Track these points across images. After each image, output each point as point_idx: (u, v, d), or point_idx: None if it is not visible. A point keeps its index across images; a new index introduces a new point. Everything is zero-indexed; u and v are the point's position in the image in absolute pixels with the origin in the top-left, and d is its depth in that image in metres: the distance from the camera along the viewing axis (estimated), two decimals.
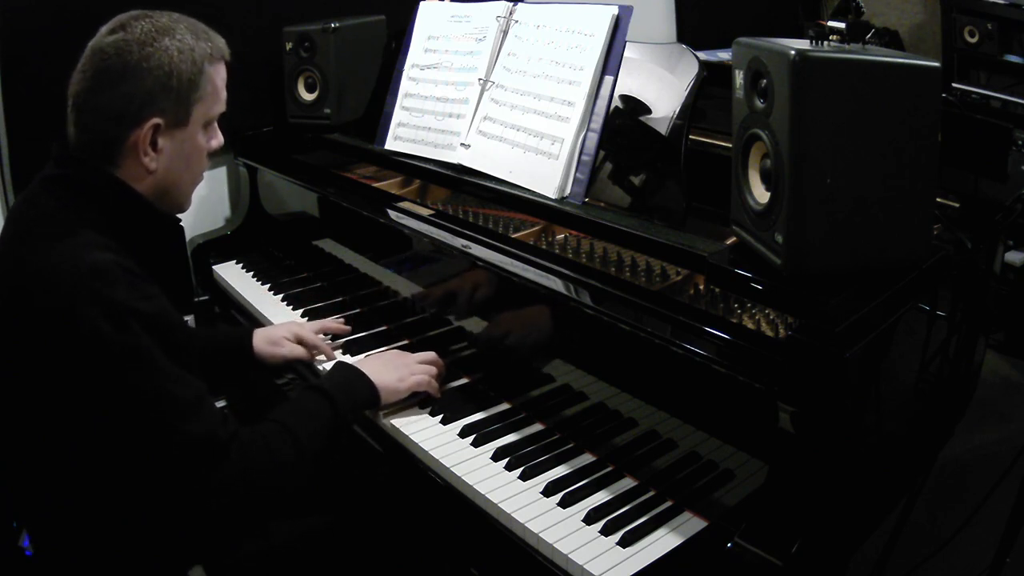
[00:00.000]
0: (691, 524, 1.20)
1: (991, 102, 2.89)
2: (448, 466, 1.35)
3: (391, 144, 1.93)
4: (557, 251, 1.51)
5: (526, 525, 1.21)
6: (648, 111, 1.52)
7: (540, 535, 1.19)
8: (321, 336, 1.74)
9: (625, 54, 1.57)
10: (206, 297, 2.18)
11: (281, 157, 2.16)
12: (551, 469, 1.33)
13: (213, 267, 2.20)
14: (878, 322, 1.12)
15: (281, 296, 1.98)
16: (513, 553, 1.22)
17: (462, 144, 1.77)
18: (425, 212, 1.70)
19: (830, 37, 1.18)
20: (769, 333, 1.19)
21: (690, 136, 1.45)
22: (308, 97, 2.19)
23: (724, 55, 1.92)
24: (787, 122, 1.09)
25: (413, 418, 1.49)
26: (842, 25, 1.18)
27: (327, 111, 2.16)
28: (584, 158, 1.57)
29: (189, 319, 2.08)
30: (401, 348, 1.70)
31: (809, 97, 1.08)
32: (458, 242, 1.56)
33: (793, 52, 1.07)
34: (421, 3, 1.98)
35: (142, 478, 1.18)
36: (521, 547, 1.22)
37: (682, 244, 1.34)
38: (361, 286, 1.91)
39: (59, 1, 1.90)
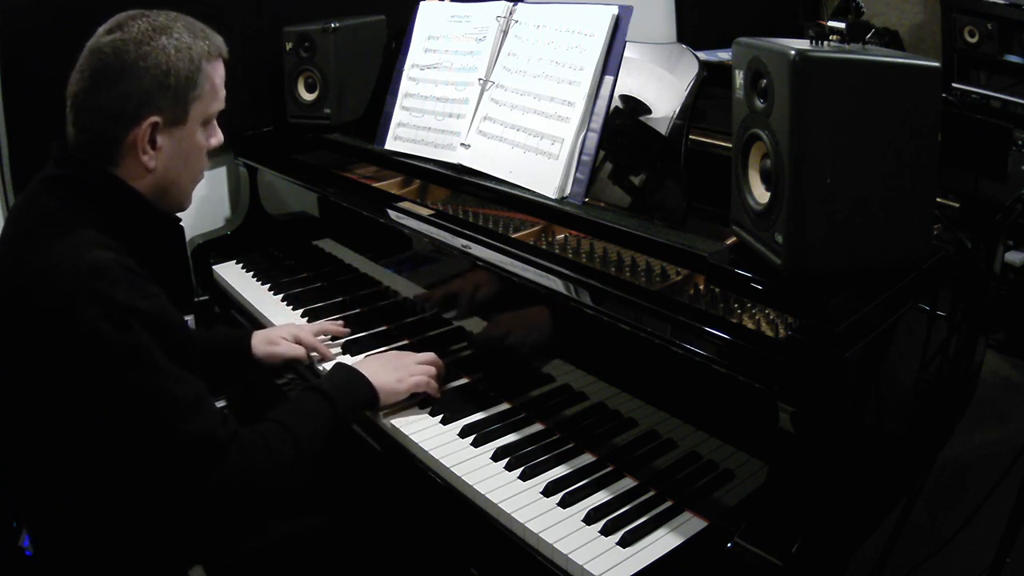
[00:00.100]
0: (691, 524, 1.20)
1: (991, 102, 2.89)
2: (448, 466, 1.35)
3: (391, 144, 1.93)
4: (557, 251, 1.51)
5: (526, 525, 1.21)
6: (648, 111, 1.52)
7: (540, 535, 1.19)
8: (320, 337, 1.74)
9: (625, 54, 1.57)
10: (206, 297, 2.18)
11: (281, 157, 2.16)
12: (551, 469, 1.33)
13: (213, 267, 2.20)
14: (878, 322, 1.12)
15: (281, 296, 1.98)
16: (513, 553, 1.22)
17: (462, 144, 1.77)
18: (425, 212, 1.70)
19: (830, 37, 1.18)
20: (769, 333, 1.19)
21: (690, 136, 1.45)
22: (308, 97, 2.19)
23: (724, 55, 1.92)
24: (787, 122, 1.09)
25: (413, 418, 1.49)
26: (842, 25, 1.18)
27: (327, 111, 2.16)
28: (584, 158, 1.57)
29: (189, 319, 2.08)
30: (401, 348, 1.70)
31: (809, 97, 1.08)
32: (458, 242, 1.56)
33: (793, 52, 1.07)
34: (421, 3, 1.98)
35: (142, 478, 1.18)
36: (521, 547, 1.22)
37: (682, 244, 1.34)
38: (361, 286, 1.91)
39: (59, 1, 1.90)
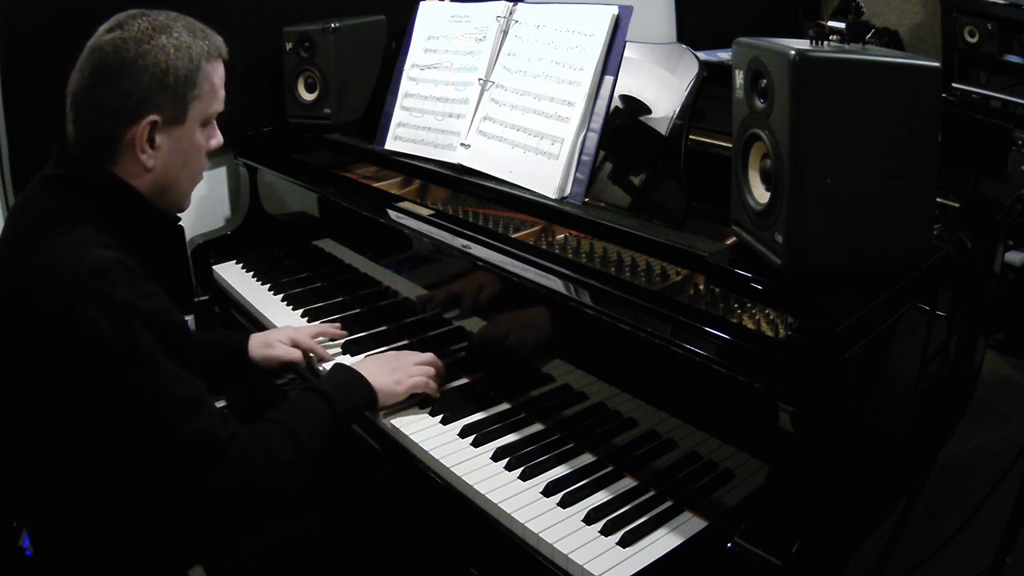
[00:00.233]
0: (691, 524, 1.20)
1: (991, 102, 2.89)
2: (448, 466, 1.35)
3: (391, 144, 1.93)
4: (557, 251, 1.51)
5: (526, 525, 1.21)
6: (648, 111, 1.52)
7: (540, 535, 1.19)
8: (318, 339, 1.74)
9: (625, 54, 1.57)
10: (206, 297, 2.18)
11: (281, 157, 2.16)
12: (551, 469, 1.33)
13: (213, 267, 2.20)
14: (878, 322, 1.12)
15: (281, 296, 1.98)
16: (513, 553, 1.22)
17: (462, 144, 1.77)
18: (425, 212, 1.70)
19: (830, 37, 1.18)
20: (769, 333, 1.19)
21: (690, 136, 1.45)
22: (308, 97, 2.19)
23: (724, 55, 1.92)
24: (787, 122, 1.09)
25: (413, 418, 1.49)
26: (842, 25, 1.18)
27: (327, 111, 2.16)
28: (584, 158, 1.57)
29: (189, 319, 2.08)
30: (401, 348, 1.70)
31: (809, 97, 1.08)
32: (458, 242, 1.56)
33: (793, 52, 1.07)
34: (421, 3, 1.98)
35: (142, 477, 1.18)
36: (521, 547, 1.22)
37: (682, 244, 1.34)
38: (361, 286, 1.91)
39: (59, 1, 1.90)
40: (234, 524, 1.32)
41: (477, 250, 1.52)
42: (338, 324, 1.80)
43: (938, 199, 1.29)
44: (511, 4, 1.79)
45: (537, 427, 1.44)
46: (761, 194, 1.20)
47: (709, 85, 1.46)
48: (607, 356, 1.38)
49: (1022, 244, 2.23)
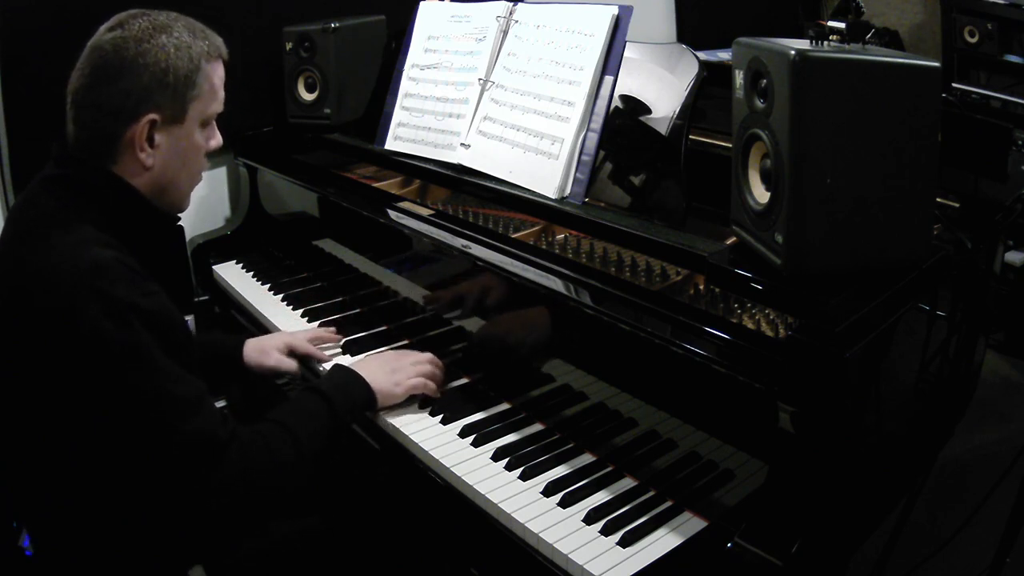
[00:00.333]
0: (691, 524, 1.20)
1: (991, 102, 2.89)
2: (448, 466, 1.35)
3: (391, 144, 1.93)
4: (557, 251, 1.51)
5: (526, 525, 1.21)
6: (648, 111, 1.52)
7: (540, 535, 1.19)
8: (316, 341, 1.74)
9: (625, 54, 1.57)
10: (206, 297, 2.18)
11: (281, 157, 2.16)
12: (551, 469, 1.33)
13: (213, 267, 2.20)
14: (878, 322, 1.12)
15: (281, 296, 1.98)
16: (513, 553, 1.22)
17: (462, 144, 1.77)
18: (425, 212, 1.70)
19: (830, 37, 1.18)
20: (769, 333, 1.19)
21: (690, 136, 1.45)
22: (308, 97, 2.19)
23: (724, 55, 1.92)
24: (787, 122, 1.09)
25: (413, 418, 1.48)
26: (842, 25, 1.18)
27: (327, 111, 2.16)
28: (584, 158, 1.57)
29: (189, 319, 2.08)
30: (401, 348, 1.70)
31: (809, 97, 1.08)
32: (458, 242, 1.56)
33: (793, 52, 1.07)
34: (421, 3, 1.98)
35: (142, 477, 1.18)
36: (521, 547, 1.22)
37: (682, 244, 1.34)
38: (361, 286, 1.91)
39: (59, 1, 1.90)
40: (234, 524, 1.32)
41: (477, 250, 1.52)
42: (333, 328, 1.78)
43: (938, 199, 1.29)
44: (511, 4, 1.79)
45: (537, 427, 1.44)
46: (761, 194, 1.20)
47: (709, 85, 1.46)
48: (607, 356, 1.38)
49: (1022, 244, 2.23)
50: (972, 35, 2.95)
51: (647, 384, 1.32)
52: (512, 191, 1.64)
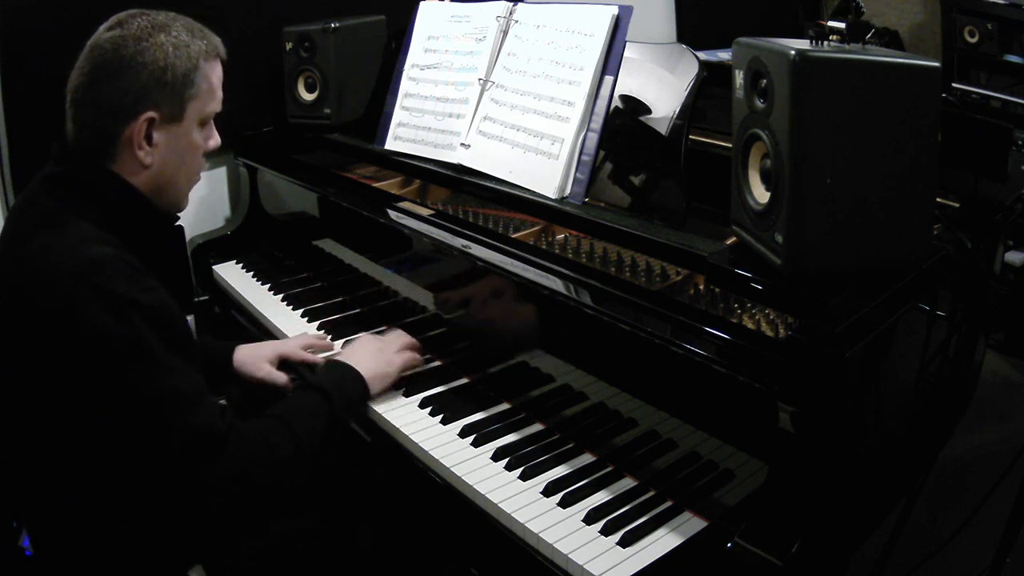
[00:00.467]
0: (691, 524, 1.20)
1: (991, 102, 2.89)
2: (448, 466, 1.35)
3: (391, 144, 1.93)
4: (557, 251, 1.51)
5: (526, 525, 1.21)
6: (648, 111, 1.52)
7: (540, 535, 1.19)
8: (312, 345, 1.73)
9: (625, 54, 1.57)
10: (206, 297, 2.18)
11: (281, 157, 2.16)
12: (551, 469, 1.33)
13: (213, 267, 2.20)
14: (878, 322, 1.12)
15: (281, 296, 1.98)
16: (513, 553, 1.22)
17: (462, 144, 1.77)
18: (425, 212, 1.70)
19: (830, 37, 1.18)
20: (769, 333, 1.19)
21: (690, 136, 1.45)
22: (308, 97, 2.19)
23: (724, 55, 1.92)
24: (787, 122, 1.09)
25: (413, 417, 1.48)
26: (842, 25, 1.18)
27: (327, 111, 2.16)
28: (584, 158, 1.57)
29: (189, 319, 2.08)
30: None
31: (809, 97, 1.08)
32: (458, 242, 1.56)
33: (793, 52, 1.07)
34: (421, 3, 1.98)
35: (142, 474, 1.18)
36: (521, 547, 1.22)
37: (682, 244, 1.34)
38: (361, 286, 1.91)
39: (59, 1, 1.90)
40: (233, 520, 1.31)
41: (477, 250, 1.52)
42: (327, 335, 1.79)
43: (938, 199, 1.29)
44: (511, 4, 1.79)
45: (537, 427, 1.44)
46: (761, 194, 1.20)
47: (709, 85, 1.46)
48: (607, 356, 1.38)
49: (1022, 244, 2.23)
50: (972, 35, 2.95)
51: (647, 384, 1.32)
52: (512, 191, 1.64)
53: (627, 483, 1.29)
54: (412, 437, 1.43)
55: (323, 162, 2.08)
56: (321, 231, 2.05)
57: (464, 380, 1.60)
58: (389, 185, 1.91)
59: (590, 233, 1.52)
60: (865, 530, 1.16)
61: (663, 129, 1.48)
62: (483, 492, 1.29)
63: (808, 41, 1.16)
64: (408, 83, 1.93)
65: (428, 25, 1.94)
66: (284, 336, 1.81)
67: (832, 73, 1.08)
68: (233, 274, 2.16)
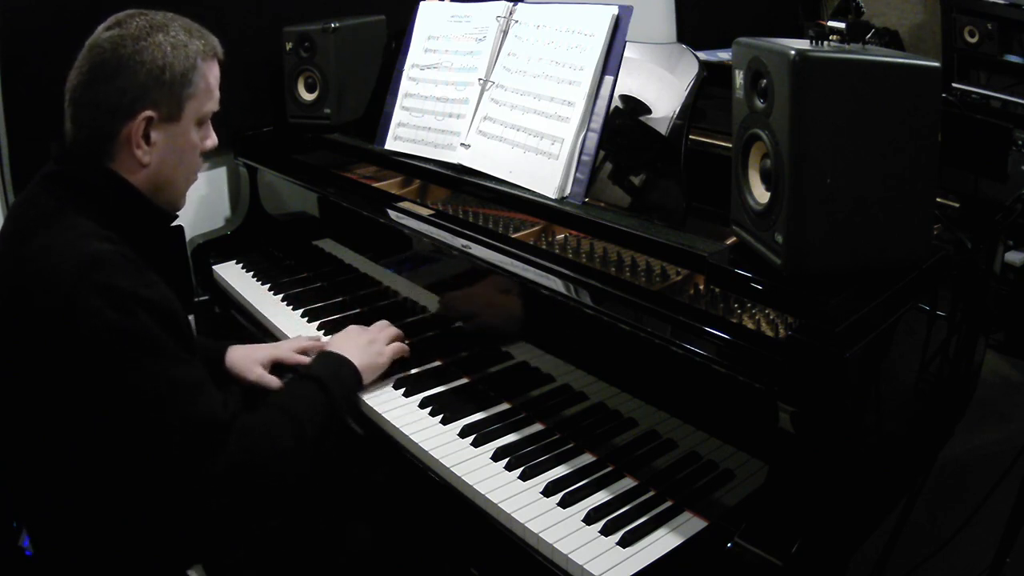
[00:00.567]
0: (691, 524, 1.20)
1: (991, 102, 2.89)
2: (448, 466, 1.35)
3: (391, 144, 1.93)
4: (557, 251, 1.51)
5: (526, 525, 1.21)
6: (648, 111, 1.52)
7: (540, 535, 1.19)
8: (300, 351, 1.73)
9: (625, 54, 1.57)
10: (206, 297, 2.18)
11: (281, 157, 2.16)
12: (551, 469, 1.33)
13: (213, 267, 2.20)
14: (878, 322, 1.12)
15: (281, 296, 1.98)
16: (513, 553, 1.22)
17: (462, 144, 1.77)
18: (425, 212, 1.70)
19: (830, 37, 1.18)
20: (769, 333, 1.19)
21: (690, 136, 1.45)
22: (308, 97, 2.18)
23: (724, 55, 1.92)
24: (787, 122, 1.09)
25: (413, 417, 1.49)
26: (842, 25, 1.18)
27: (327, 111, 2.16)
28: (584, 158, 1.57)
29: (189, 319, 2.08)
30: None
31: (809, 97, 1.08)
32: (458, 242, 1.56)
33: (793, 52, 1.07)
34: (421, 3, 1.98)
35: (145, 467, 1.18)
36: (521, 547, 1.22)
37: (682, 244, 1.34)
38: (361, 286, 1.91)
39: (59, 1, 1.90)
40: (236, 511, 1.30)
41: (477, 250, 1.52)
42: (321, 338, 1.78)
43: (938, 199, 1.29)
44: (511, 4, 1.79)
45: (537, 427, 1.44)
46: (761, 194, 1.20)
47: (709, 85, 1.46)
48: (607, 356, 1.38)
49: (1022, 244, 2.23)
50: (972, 35, 2.95)
51: (647, 384, 1.32)
52: (512, 191, 1.64)
53: (627, 483, 1.29)
54: (412, 437, 1.43)
55: (323, 162, 2.08)
56: (321, 231, 2.05)
57: (464, 380, 1.60)
58: (389, 185, 1.91)
59: (590, 233, 1.52)
60: (865, 530, 1.16)
61: (663, 129, 1.48)
62: (483, 492, 1.29)
63: (808, 41, 1.16)
64: (408, 83, 1.93)
65: (428, 25, 1.94)
66: (284, 336, 1.81)
67: (832, 73, 1.08)
68: (233, 274, 2.16)
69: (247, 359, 1.65)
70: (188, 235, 2.20)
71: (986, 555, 1.39)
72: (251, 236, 2.27)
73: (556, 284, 1.39)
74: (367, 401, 1.53)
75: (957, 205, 1.44)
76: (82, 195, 1.25)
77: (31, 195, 1.29)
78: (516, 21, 1.77)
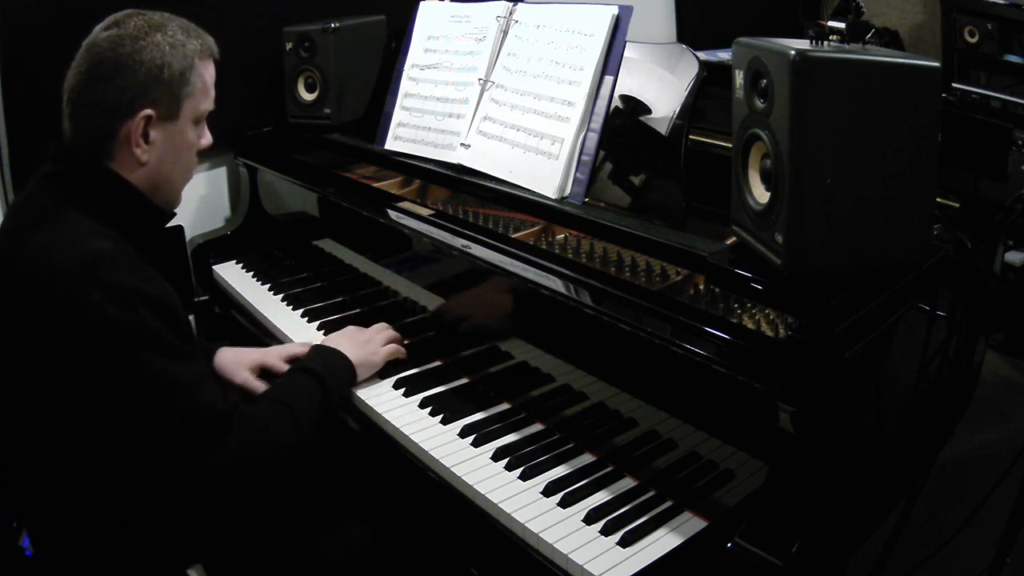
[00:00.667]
0: (691, 524, 1.20)
1: (991, 102, 2.89)
2: (448, 466, 1.35)
3: (391, 144, 1.93)
4: (557, 251, 1.51)
5: (526, 525, 1.21)
6: (648, 111, 1.52)
7: (540, 535, 1.19)
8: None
9: (625, 54, 1.57)
10: (206, 297, 2.18)
11: (281, 157, 2.16)
12: (551, 469, 1.33)
13: (213, 267, 2.20)
14: (878, 322, 1.12)
15: (281, 296, 1.98)
16: (513, 553, 1.22)
17: (462, 144, 1.77)
18: (425, 212, 1.70)
19: (830, 37, 1.18)
20: (769, 333, 1.19)
21: (690, 136, 1.45)
22: (308, 97, 2.18)
23: (724, 55, 1.91)
24: (787, 122, 1.09)
25: (413, 418, 1.49)
26: (842, 25, 1.18)
27: (327, 111, 2.16)
28: (584, 158, 1.57)
29: (189, 319, 2.08)
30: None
31: (809, 97, 1.08)
32: (458, 242, 1.56)
33: (793, 52, 1.07)
34: (421, 3, 1.98)
35: (146, 462, 1.19)
36: (521, 547, 1.22)
37: (682, 244, 1.34)
38: (361, 286, 1.91)
39: (59, 1, 1.90)
40: (236, 507, 1.30)
41: (477, 250, 1.52)
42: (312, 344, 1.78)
43: (938, 199, 1.29)
44: (511, 4, 1.79)
45: (537, 427, 1.44)
46: (761, 194, 1.20)
47: (709, 85, 1.46)
48: (607, 356, 1.38)
49: (1022, 244, 2.23)
50: (972, 35, 2.95)
51: (647, 384, 1.32)
52: (512, 191, 1.64)
53: (627, 483, 1.29)
54: (412, 437, 1.43)
55: (323, 162, 2.08)
56: (321, 231, 2.05)
57: (464, 380, 1.60)
58: (389, 185, 1.91)
59: (590, 233, 1.52)
60: (865, 530, 1.16)
61: (663, 129, 1.48)
62: (483, 492, 1.29)
63: (808, 41, 1.16)
64: (408, 83, 1.93)
65: (428, 25, 1.94)
66: (284, 336, 1.81)
67: (832, 73, 1.08)
68: (233, 274, 2.16)
69: (235, 363, 1.64)
70: (188, 235, 2.20)
71: (986, 555, 1.39)
72: (251, 236, 2.27)
73: (556, 284, 1.39)
74: (367, 401, 1.53)
75: (957, 205, 1.44)
76: (81, 194, 1.25)
77: (30, 194, 1.29)
78: (516, 21, 1.77)
